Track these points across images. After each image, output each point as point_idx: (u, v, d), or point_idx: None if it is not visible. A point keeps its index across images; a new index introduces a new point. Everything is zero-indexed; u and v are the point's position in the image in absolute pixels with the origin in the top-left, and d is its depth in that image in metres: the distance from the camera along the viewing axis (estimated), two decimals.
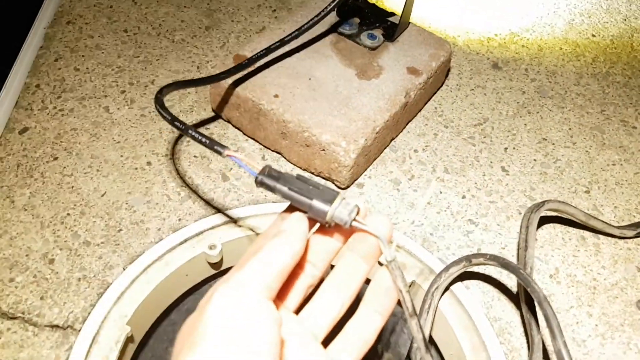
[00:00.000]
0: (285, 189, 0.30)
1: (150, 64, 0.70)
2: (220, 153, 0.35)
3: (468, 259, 0.47)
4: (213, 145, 0.37)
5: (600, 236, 0.58)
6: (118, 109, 0.65)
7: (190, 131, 0.41)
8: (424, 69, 0.64)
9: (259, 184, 0.31)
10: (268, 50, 0.59)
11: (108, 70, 0.69)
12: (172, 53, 0.71)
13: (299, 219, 0.30)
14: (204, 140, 0.39)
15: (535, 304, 0.43)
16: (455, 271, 0.48)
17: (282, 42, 0.59)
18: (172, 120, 0.45)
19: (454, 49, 0.76)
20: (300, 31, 0.59)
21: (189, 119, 0.64)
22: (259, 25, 0.76)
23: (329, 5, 0.59)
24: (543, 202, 0.52)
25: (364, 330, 0.31)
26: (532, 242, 0.51)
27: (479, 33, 0.79)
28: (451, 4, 0.84)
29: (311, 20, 0.59)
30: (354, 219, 0.29)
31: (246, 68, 0.59)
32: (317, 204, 0.29)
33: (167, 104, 0.65)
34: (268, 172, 0.31)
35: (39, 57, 0.69)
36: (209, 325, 0.26)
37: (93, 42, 0.72)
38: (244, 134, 0.64)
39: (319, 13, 0.59)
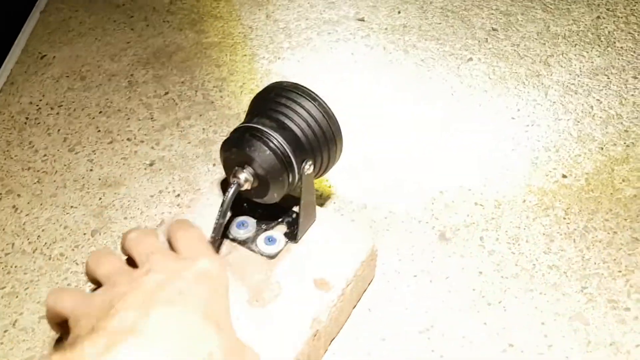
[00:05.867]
0: None
1: (16, 296, 0.57)
2: None
3: None
4: None
5: None
6: None
7: None
8: (337, 279, 0.50)
9: None
10: None
11: None
12: (46, 275, 0.59)
13: None
14: None
15: None
16: None
17: None
18: None
19: (392, 219, 0.62)
20: None
21: None
22: (157, 219, 0.64)
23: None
24: None
25: None
26: None
27: (422, 195, 0.65)
28: (388, 166, 0.71)
29: None
30: None
31: None
32: None
33: None
34: None
35: None
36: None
37: None
38: None
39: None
